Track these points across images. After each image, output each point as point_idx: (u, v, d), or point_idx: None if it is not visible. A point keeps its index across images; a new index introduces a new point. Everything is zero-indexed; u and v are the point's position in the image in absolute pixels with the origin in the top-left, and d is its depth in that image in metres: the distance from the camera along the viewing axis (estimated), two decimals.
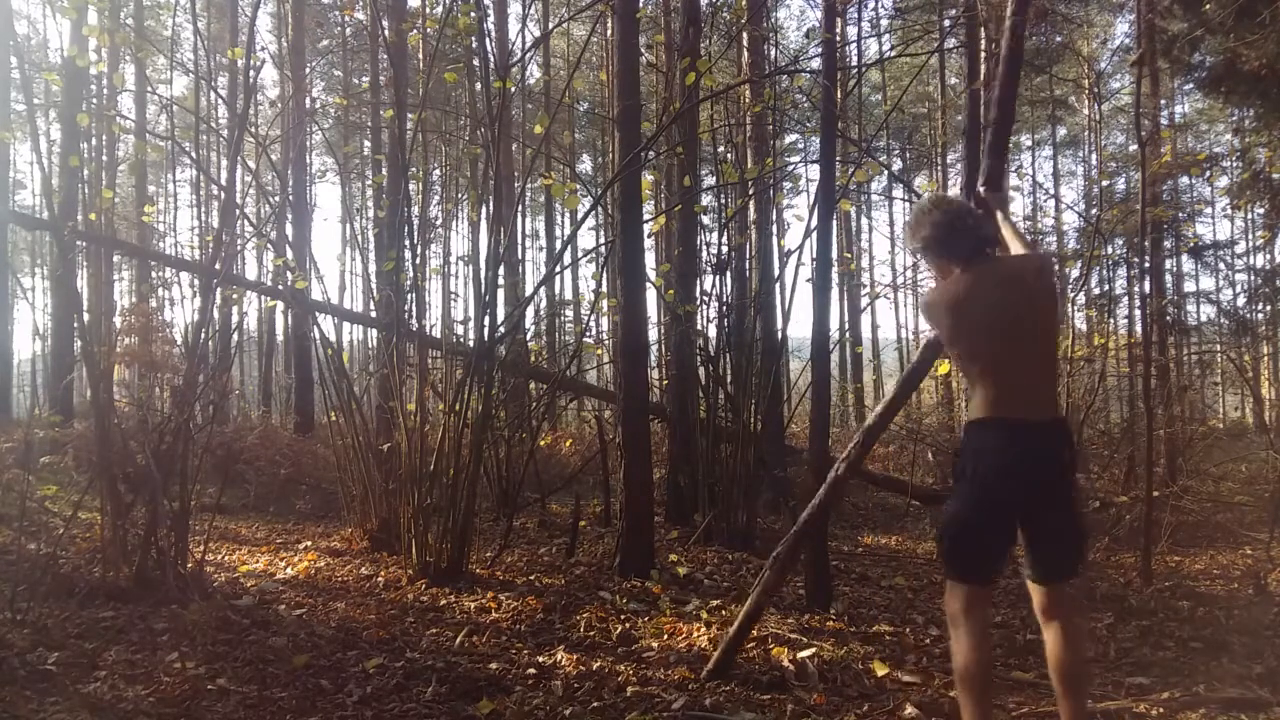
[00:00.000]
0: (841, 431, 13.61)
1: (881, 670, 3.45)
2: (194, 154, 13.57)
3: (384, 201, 8.26)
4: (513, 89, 6.74)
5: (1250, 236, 19.41)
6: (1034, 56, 10.23)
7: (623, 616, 4.27)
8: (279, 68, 13.84)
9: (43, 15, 19.84)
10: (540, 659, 3.64)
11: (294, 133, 10.78)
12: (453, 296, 22.94)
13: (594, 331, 15.07)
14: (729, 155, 8.22)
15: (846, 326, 19.76)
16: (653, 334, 10.02)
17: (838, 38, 7.61)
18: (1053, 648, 2.47)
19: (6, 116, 12.69)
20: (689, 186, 7.11)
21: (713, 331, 6.83)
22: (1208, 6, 6.32)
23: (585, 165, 26.14)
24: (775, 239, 8.01)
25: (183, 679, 3.19)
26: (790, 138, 16.97)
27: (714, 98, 8.10)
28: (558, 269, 13.59)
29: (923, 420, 10.90)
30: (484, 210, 5.72)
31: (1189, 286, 16.39)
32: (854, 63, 15.51)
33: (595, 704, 3.12)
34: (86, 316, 7.92)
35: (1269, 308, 12.86)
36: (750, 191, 7.52)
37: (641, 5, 7.97)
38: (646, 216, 6.21)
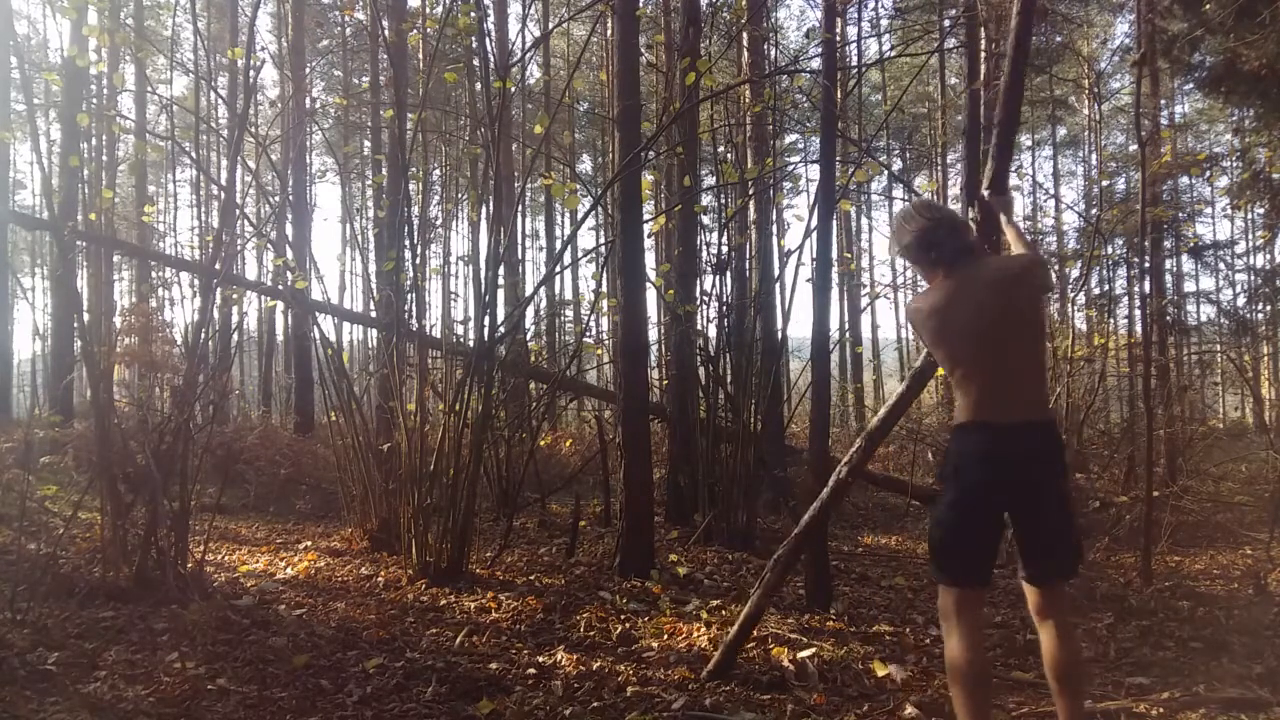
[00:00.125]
0: (841, 431, 13.62)
1: (881, 670, 3.45)
2: (194, 154, 13.57)
3: (384, 201, 8.26)
4: (513, 89, 6.74)
5: (1250, 236, 19.44)
6: (1034, 56, 10.21)
7: (623, 616, 4.27)
8: (279, 68, 13.85)
9: (43, 15, 19.88)
10: (540, 659, 3.64)
11: (294, 133, 10.78)
12: (453, 296, 22.97)
13: (594, 331, 15.08)
14: (729, 155, 8.21)
15: (846, 326, 19.79)
16: (653, 334, 10.02)
17: (838, 38, 7.61)
18: (1048, 648, 2.47)
19: (6, 116, 12.69)
20: (689, 186, 7.10)
21: (713, 331, 6.83)
22: (1208, 6, 6.32)
23: (585, 165, 26.14)
24: (775, 239, 8.01)
25: (183, 679, 3.19)
26: (790, 138, 17.00)
27: (714, 98, 8.10)
28: (558, 269, 13.59)
29: (923, 420, 10.90)
30: (484, 210, 5.72)
31: (1189, 286, 16.44)
32: (854, 63, 15.52)
33: (595, 704, 3.12)
34: (86, 316, 7.92)
35: (1269, 308, 12.87)
36: (750, 191, 7.52)
37: (641, 5, 7.98)
38: (646, 216, 6.21)
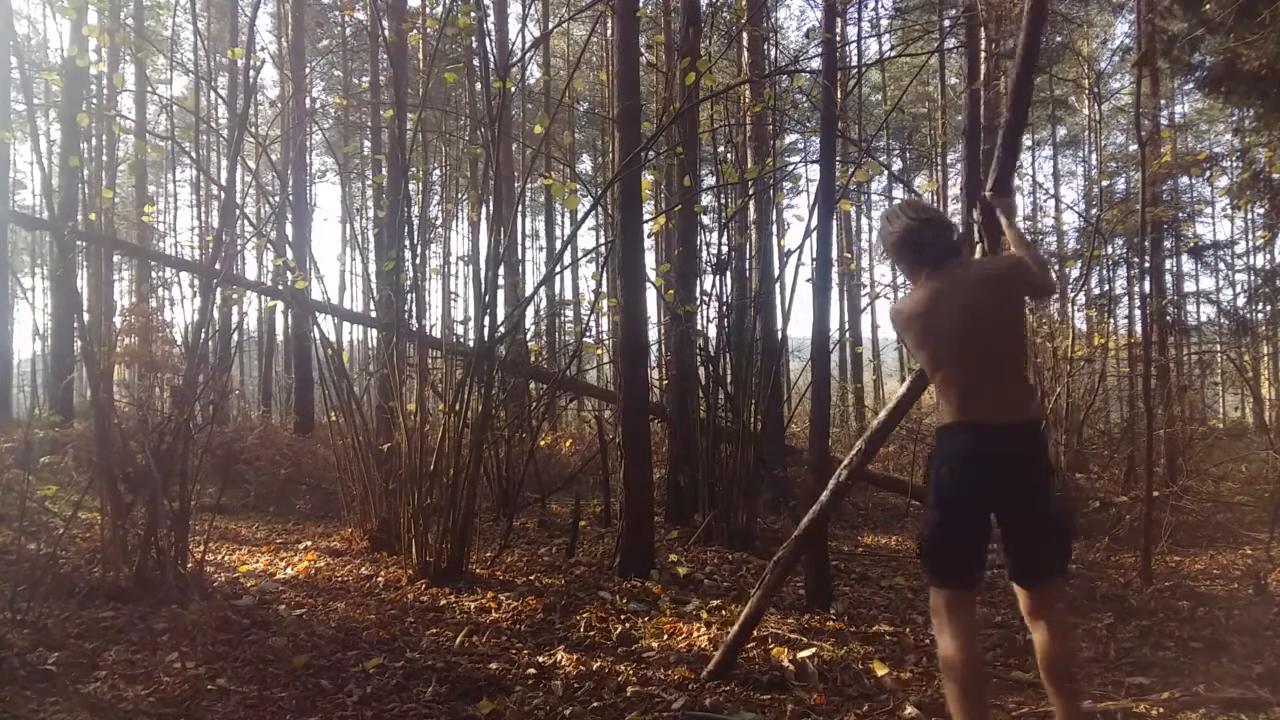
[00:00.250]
0: (841, 432, 13.62)
1: (881, 670, 3.45)
2: (194, 154, 13.55)
3: (384, 201, 8.26)
4: (513, 89, 6.74)
5: (1250, 236, 19.46)
6: None
7: (623, 616, 4.27)
8: (279, 68, 13.85)
9: (43, 15, 19.86)
10: (540, 659, 3.64)
11: (294, 133, 10.78)
12: (453, 296, 22.97)
13: (594, 331, 15.10)
14: (729, 155, 8.21)
15: (846, 326, 19.81)
16: (653, 334, 10.02)
17: (838, 38, 7.61)
18: (1042, 649, 2.46)
19: (6, 116, 12.69)
20: (689, 186, 7.11)
21: (713, 331, 6.83)
22: (1208, 6, 6.32)
23: (585, 165, 26.14)
24: (775, 239, 8.02)
25: (183, 679, 3.19)
26: (790, 138, 17.02)
27: (714, 98, 8.10)
28: (558, 269, 13.59)
29: (923, 420, 10.89)
30: (484, 210, 5.72)
31: (1189, 286, 16.47)
32: (854, 63, 15.52)
33: (595, 704, 3.12)
34: (86, 316, 7.91)
35: (1269, 308, 12.87)
36: (750, 191, 7.52)
37: (641, 5, 7.98)
38: (646, 216, 6.21)
